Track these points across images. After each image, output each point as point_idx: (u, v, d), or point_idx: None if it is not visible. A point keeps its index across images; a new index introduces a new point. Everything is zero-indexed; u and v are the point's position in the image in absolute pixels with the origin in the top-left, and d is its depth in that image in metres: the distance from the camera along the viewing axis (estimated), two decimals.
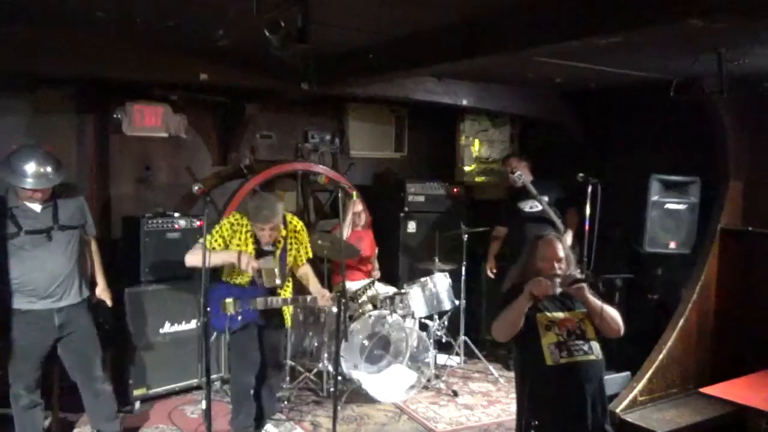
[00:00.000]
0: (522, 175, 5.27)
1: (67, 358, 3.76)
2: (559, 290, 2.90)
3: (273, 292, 3.94)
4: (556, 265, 2.97)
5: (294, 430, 4.35)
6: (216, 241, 3.84)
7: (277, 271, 3.86)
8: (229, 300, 3.78)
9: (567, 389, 2.86)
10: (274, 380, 4.20)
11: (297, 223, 4.13)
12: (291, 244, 4.04)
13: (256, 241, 3.91)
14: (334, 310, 4.13)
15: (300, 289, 4.25)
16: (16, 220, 3.50)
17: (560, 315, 2.94)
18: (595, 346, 2.92)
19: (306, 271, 4.19)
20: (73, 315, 3.70)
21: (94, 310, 3.92)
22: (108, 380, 3.95)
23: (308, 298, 4.01)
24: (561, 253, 3.00)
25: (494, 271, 5.66)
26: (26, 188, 3.44)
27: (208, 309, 3.44)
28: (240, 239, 3.89)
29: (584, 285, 2.88)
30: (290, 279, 4.14)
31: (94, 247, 3.95)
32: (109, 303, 4.03)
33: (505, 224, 5.64)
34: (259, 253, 3.91)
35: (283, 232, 3.98)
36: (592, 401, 2.86)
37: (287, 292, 4.08)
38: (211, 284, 3.91)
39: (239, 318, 3.82)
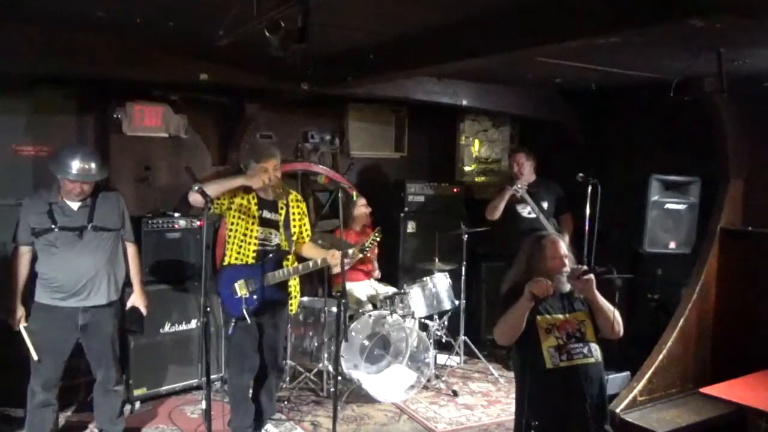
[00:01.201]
0: (521, 187, 5.21)
1: (87, 355, 3.82)
2: (568, 287, 2.91)
3: (280, 265, 3.93)
4: (566, 260, 2.99)
5: (294, 430, 4.35)
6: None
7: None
8: (239, 282, 3.79)
9: (567, 391, 2.87)
10: (273, 381, 4.19)
11: (297, 195, 4.15)
12: (294, 213, 4.05)
13: (259, 205, 3.91)
14: (334, 309, 4.13)
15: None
16: (52, 215, 3.59)
17: (560, 317, 2.94)
18: (595, 348, 2.93)
19: (309, 246, 4.16)
20: (98, 317, 3.72)
21: (124, 316, 3.96)
22: (121, 382, 3.98)
23: (319, 260, 3.96)
24: (566, 251, 3.04)
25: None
26: (68, 179, 3.54)
27: (208, 309, 3.43)
28: (243, 198, 3.89)
29: (592, 276, 2.89)
30: (296, 259, 4.11)
31: (131, 252, 3.98)
32: (143, 311, 4.07)
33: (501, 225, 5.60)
34: (263, 221, 3.92)
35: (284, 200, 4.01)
36: (591, 402, 2.86)
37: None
38: (219, 272, 3.94)
39: (254, 297, 3.82)
